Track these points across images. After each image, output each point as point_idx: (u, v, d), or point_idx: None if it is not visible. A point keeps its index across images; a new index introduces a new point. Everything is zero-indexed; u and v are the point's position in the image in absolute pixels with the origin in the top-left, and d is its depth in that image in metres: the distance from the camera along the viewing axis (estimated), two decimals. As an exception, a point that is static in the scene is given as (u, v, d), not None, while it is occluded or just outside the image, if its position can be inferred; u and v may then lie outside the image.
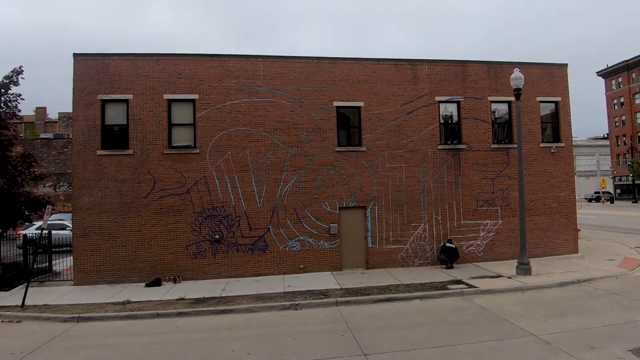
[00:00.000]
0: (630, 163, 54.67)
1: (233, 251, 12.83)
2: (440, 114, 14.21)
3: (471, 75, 14.38)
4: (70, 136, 19.13)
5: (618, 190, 63.09)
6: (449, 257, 13.21)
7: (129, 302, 10.12)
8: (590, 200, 57.94)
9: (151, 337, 7.95)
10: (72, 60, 12.56)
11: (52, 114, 49.87)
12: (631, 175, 54.25)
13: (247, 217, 12.93)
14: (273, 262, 12.97)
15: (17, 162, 14.04)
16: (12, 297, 10.79)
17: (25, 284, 10.58)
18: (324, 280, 12.01)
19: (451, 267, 13.16)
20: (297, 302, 9.69)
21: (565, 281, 10.97)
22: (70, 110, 13.17)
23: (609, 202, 54.61)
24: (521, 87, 12.21)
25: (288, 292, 10.70)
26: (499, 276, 11.74)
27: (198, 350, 7.20)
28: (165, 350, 7.28)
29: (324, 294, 10.41)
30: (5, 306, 9.92)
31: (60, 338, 8.00)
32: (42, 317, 9.16)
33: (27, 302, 9.94)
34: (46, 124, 47.74)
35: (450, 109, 14.33)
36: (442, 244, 13.60)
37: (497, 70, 14.49)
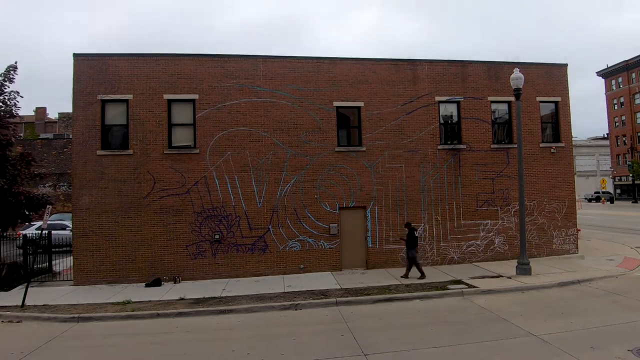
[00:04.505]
0: (630, 163, 54.56)
1: (233, 251, 12.82)
2: (440, 114, 14.21)
3: (471, 75, 14.37)
4: (70, 136, 19.12)
5: (618, 191, 63.03)
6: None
7: (129, 302, 10.11)
8: (590, 200, 57.88)
9: (151, 338, 7.94)
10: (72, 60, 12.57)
11: (52, 114, 49.96)
12: (631, 175, 54.00)
13: (247, 217, 12.92)
14: (273, 262, 12.96)
15: (16, 162, 14.02)
16: (12, 297, 10.78)
17: (25, 284, 10.57)
18: (324, 280, 12.00)
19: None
20: (297, 302, 9.68)
21: (565, 281, 10.96)
22: (70, 111, 13.16)
23: (608, 202, 54.57)
24: (521, 87, 12.20)
25: (288, 292, 10.69)
26: (499, 276, 11.72)
27: (198, 350, 7.20)
28: (165, 351, 7.28)
29: (324, 294, 10.40)
30: (5, 306, 9.92)
31: (60, 338, 7.99)
32: (42, 317, 9.16)
33: (27, 302, 9.93)
34: (46, 124, 47.71)
35: (450, 109, 14.33)
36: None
37: (497, 70, 14.48)
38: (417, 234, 12.28)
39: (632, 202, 52.07)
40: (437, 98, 14.09)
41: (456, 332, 7.60)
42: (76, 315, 9.12)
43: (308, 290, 10.74)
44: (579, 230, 16.20)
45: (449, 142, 14.28)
